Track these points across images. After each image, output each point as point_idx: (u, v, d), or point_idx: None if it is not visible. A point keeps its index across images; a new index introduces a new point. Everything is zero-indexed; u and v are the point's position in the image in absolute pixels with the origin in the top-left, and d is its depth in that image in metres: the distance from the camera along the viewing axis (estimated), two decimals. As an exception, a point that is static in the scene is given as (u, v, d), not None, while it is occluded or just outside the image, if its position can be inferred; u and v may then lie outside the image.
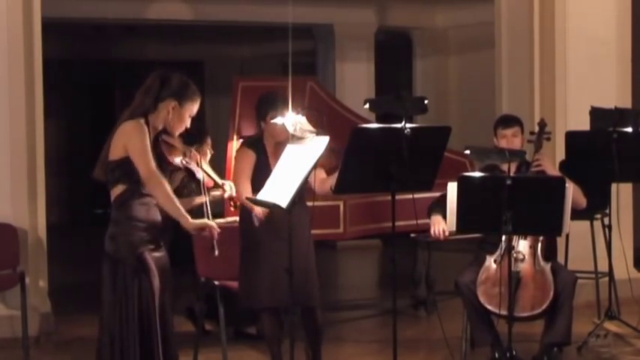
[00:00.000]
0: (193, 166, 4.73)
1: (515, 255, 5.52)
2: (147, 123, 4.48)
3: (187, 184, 5.83)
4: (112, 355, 4.46)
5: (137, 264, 4.45)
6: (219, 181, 5.14)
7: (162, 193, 4.40)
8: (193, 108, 4.58)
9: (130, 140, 4.41)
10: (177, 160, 4.66)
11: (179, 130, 4.59)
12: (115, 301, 4.46)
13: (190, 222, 4.44)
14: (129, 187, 4.45)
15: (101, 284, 4.53)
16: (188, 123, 4.60)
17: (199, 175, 4.76)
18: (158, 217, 4.54)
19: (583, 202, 5.71)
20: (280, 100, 5.42)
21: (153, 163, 4.41)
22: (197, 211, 4.78)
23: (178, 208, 4.42)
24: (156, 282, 4.47)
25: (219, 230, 4.55)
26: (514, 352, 5.38)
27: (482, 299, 5.58)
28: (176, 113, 4.52)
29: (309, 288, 5.43)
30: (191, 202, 5.06)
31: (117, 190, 4.48)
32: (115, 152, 4.45)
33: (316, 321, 5.57)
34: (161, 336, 4.48)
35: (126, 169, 4.42)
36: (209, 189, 5.12)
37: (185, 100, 4.53)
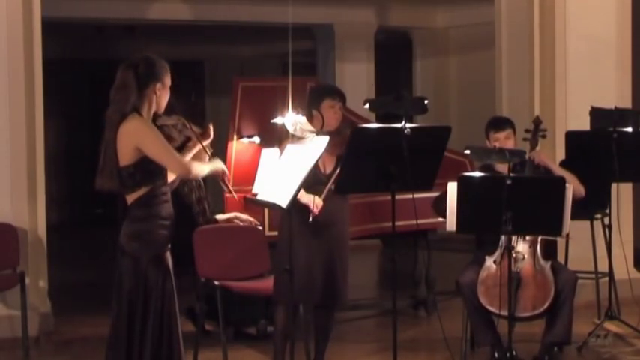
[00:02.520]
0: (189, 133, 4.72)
1: (514, 255, 5.53)
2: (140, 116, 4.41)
3: None
4: (127, 353, 4.43)
5: (158, 263, 4.40)
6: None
7: (197, 171, 4.53)
8: (169, 78, 4.55)
9: (142, 141, 4.31)
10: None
11: (165, 104, 4.54)
12: (134, 300, 4.39)
13: (207, 166, 4.62)
14: (152, 187, 4.35)
15: (117, 283, 4.44)
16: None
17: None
18: (172, 213, 4.50)
19: (581, 190, 5.72)
20: (335, 87, 5.68)
21: (177, 155, 4.41)
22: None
23: (204, 168, 4.58)
24: (171, 283, 4.44)
25: (227, 171, 4.72)
26: (514, 352, 5.38)
27: (482, 300, 5.58)
28: (162, 92, 4.49)
29: (337, 287, 5.46)
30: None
31: (139, 192, 4.36)
32: (127, 156, 4.32)
33: (330, 321, 5.63)
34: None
35: (145, 170, 4.32)
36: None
37: (163, 76, 4.49)
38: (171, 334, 4.43)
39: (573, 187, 5.38)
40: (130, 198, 4.39)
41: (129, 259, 4.40)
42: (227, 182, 4.79)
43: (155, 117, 4.54)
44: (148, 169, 4.32)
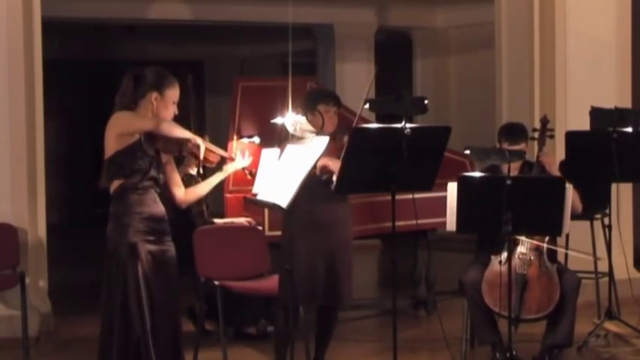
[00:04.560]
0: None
1: (521, 256, 5.52)
2: None
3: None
4: (108, 348, 4.50)
5: (129, 253, 4.48)
6: (225, 153, 5.13)
7: (171, 126, 4.51)
8: (175, 94, 4.62)
9: (118, 123, 4.49)
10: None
11: (167, 119, 4.61)
12: (110, 293, 4.51)
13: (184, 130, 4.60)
14: (124, 180, 4.51)
15: (104, 283, 4.56)
16: (175, 110, 4.64)
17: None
18: (157, 209, 4.59)
19: (579, 207, 5.69)
20: (329, 92, 5.67)
21: (148, 117, 4.51)
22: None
23: (183, 130, 4.56)
24: (142, 273, 4.49)
25: (202, 145, 4.63)
26: (514, 353, 5.38)
27: (487, 299, 5.56)
28: (160, 103, 4.57)
29: (340, 287, 5.46)
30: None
31: (114, 186, 4.54)
32: (108, 149, 4.51)
33: (333, 321, 5.63)
34: (155, 328, 4.51)
35: (117, 163, 4.48)
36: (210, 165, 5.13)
37: (165, 89, 4.58)
38: (132, 325, 4.49)
39: (572, 202, 5.35)
40: (111, 192, 4.57)
41: (110, 253, 4.53)
42: (198, 155, 4.65)
43: None
44: (119, 162, 4.48)
